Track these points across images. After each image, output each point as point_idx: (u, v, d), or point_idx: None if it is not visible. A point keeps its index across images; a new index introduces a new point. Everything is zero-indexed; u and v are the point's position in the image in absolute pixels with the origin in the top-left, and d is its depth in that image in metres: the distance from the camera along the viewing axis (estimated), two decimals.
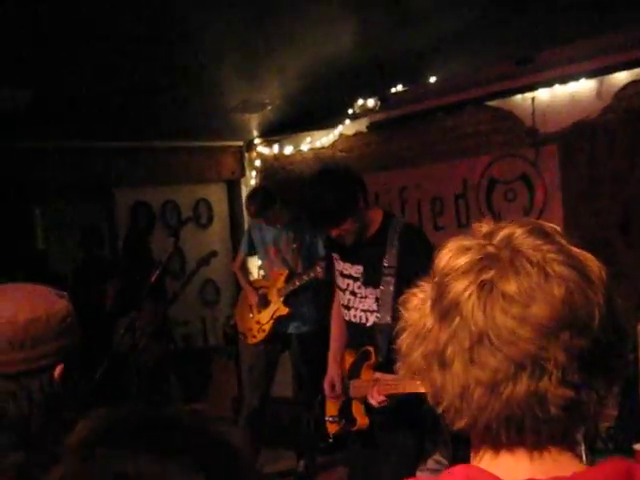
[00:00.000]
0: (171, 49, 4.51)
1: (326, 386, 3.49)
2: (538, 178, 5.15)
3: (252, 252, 5.56)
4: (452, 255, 0.94)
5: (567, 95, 4.95)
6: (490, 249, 0.92)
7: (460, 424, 0.93)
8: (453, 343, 0.91)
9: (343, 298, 3.41)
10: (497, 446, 0.93)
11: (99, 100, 5.26)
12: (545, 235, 0.92)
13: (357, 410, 3.33)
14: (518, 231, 0.93)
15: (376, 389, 3.07)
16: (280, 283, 5.21)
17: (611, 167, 4.79)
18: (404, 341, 0.99)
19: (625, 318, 0.93)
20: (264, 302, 5.23)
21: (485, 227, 0.97)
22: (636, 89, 4.63)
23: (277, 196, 5.42)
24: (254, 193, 5.49)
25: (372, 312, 3.26)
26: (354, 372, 3.37)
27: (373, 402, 3.10)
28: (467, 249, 0.93)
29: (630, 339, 0.96)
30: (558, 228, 0.96)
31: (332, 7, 4.18)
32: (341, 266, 3.41)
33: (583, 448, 2.13)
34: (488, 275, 0.89)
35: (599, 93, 4.80)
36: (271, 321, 5.16)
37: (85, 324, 1.55)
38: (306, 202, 3.31)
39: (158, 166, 7.04)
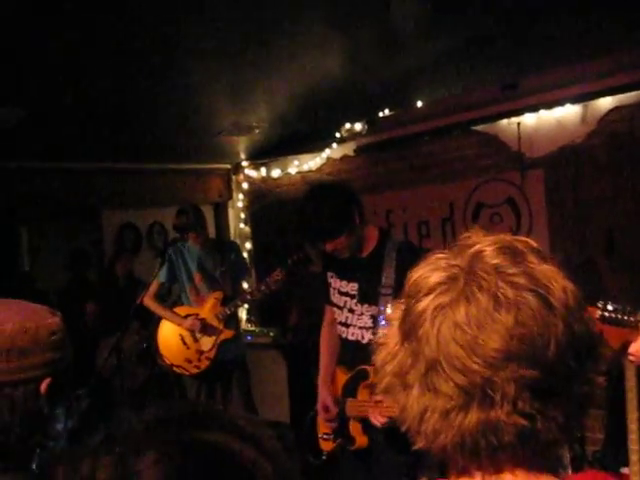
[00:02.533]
0: (160, 72, 4.52)
1: (319, 409, 3.47)
2: (524, 202, 5.18)
3: (173, 281, 5.14)
4: (421, 274, 0.94)
5: (552, 120, 5.00)
6: (453, 270, 0.91)
7: (419, 445, 0.93)
8: (413, 367, 0.91)
9: (341, 315, 3.42)
10: (458, 470, 0.93)
11: (87, 121, 5.26)
12: (514, 254, 0.90)
13: (355, 429, 3.32)
14: (488, 250, 0.91)
15: (378, 411, 3.07)
16: (216, 307, 4.96)
17: (596, 191, 4.83)
18: (379, 356, 0.99)
19: (596, 340, 0.91)
20: (203, 328, 4.92)
21: (468, 239, 0.96)
22: (620, 114, 4.69)
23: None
24: (185, 207, 5.11)
25: (368, 329, 3.27)
26: (350, 391, 3.36)
27: (377, 423, 3.10)
28: (436, 268, 0.93)
29: (601, 361, 0.92)
30: (533, 244, 0.94)
31: (320, 32, 4.21)
32: (338, 284, 3.43)
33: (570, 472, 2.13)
34: (444, 300, 0.89)
35: (584, 118, 4.85)
36: (215, 347, 4.91)
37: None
38: (301, 216, 3.27)
39: (145, 188, 7.03)
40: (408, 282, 0.95)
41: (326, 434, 3.46)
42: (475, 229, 0.98)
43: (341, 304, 3.41)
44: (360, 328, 3.33)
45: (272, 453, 0.71)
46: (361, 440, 3.29)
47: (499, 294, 0.86)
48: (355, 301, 3.33)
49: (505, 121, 5.27)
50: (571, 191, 4.97)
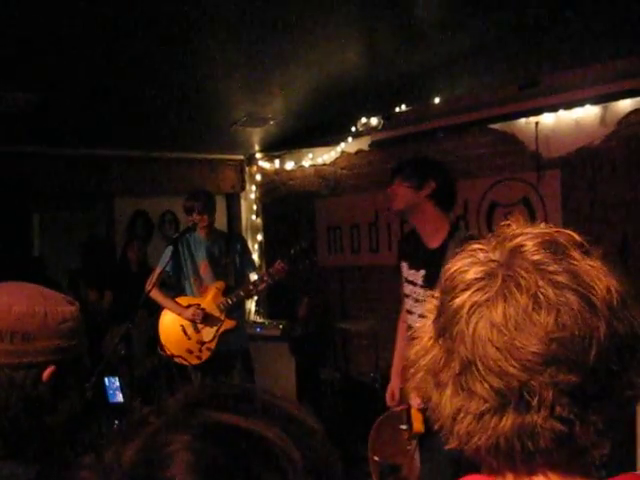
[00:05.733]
0: (177, 61, 4.51)
1: (387, 396, 3.65)
2: (539, 202, 5.14)
3: (177, 270, 5.01)
4: (459, 267, 0.90)
5: (571, 120, 4.95)
6: (491, 266, 0.87)
7: (452, 445, 0.90)
8: (447, 365, 0.88)
9: (407, 303, 3.50)
10: (491, 470, 0.90)
11: (103, 109, 5.26)
12: (556, 250, 0.86)
13: (416, 417, 3.40)
14: (529, 244, 0.87)
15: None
16: (217, 297, 4.92)
17: (612, 194, 4.78)
18: (412, 350, 0.96)
19: None
20: (204, 319, 4.85)
21: (507, 229, 0.92)
22: (639, 117, 4.63)
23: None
24: (197, 191, 5.06)
25: None
26: None
27: (414, 405, 3.24)
28: (473, 263, 0.89)
29: None
30: (577, 237, 0.89)
31: (339, 25, 4.18)
32: (407, 272, 3.49)
33: None
34: (481, 298, 0.85)
35: (603, 120, 4.80)
36: (216, 337, 4.86)
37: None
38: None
39: (159, 176, 7.04)
40: (445, 274, 0.92)
41: (404, 425, 3.57)
42: (515, 216, 0.94)
43: (408, 292, 3.47)
44: (420, 316, 3.37)
45: (307, 441, 0.68)
46: (418, 427, 3.38)
47: (539, 294, 0.82)
48: (420, 289, 3.38)
49: (523, 120, 5.21)
50: (587, 193, 4.92)
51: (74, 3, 3.46)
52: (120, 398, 1.75)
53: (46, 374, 1.36)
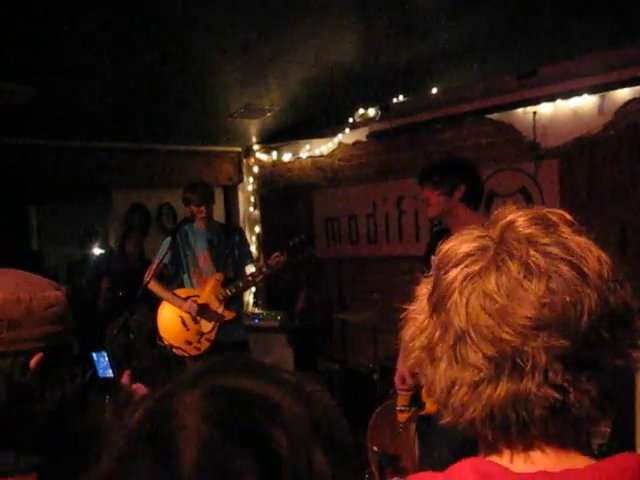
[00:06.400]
0: (173, 53, 4.49)
1: (397, 380, 3.66)
2: (538, 192, 5.13)
3: (175, 262, 5.01)
4: (452, 244, 0.92)
5: (569, 110, 4.94)
6: (484, 241, 0.89)
7: (446, 420, 0.91)
8: (442, 339, 0.89)
9: None
10: (486, 447, 0.91)
11: (99, 101, 5.24)
12: (547, 225, 0.88)
13: (427, 395, 3.42)
14: (520, 220, 0.89)
15: None
16: (216, 288, 4.92)
17: (611, 184, 4.78)
18: (408, 331, 0.97)
19: (633, 313, 0.87)
20: (202, 310, 4.86)
21: (500, 213, 0.93)
22: (637, 106, 4.62)
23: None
24: (195, 183, 5.05)
25: None
26: None
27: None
28: (466, 240, 0.91)
29: (637, 335, 0.87)
30: (567, 216, 0.91)
31: (336, 16, 4.17)
32: None
33: None
34: (474, 269, 0.86)
35: (601, 109, 4.79)
36: (215, 328, 4.87)
37: (77, 322, 1.50)
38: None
39: (156, 169, 7.02)
40: (438, 254, 0.93)
41: (403, 406, 3.62)
42: (509, 204, 0.95)
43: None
44: None
45: (314, 404, 0.71)
46: (431, 406, 3.39)
47: (530, 262, 0.84)
48: None
49: (521, 110, 5.20)
50: (585, 183, 4.92)
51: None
52: (110, 373, 1.73)
53: (33, 361, 1.33)
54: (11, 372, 1.31)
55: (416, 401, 3.54)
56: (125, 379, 1.63)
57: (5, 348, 1.31)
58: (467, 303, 0.85)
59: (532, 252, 0.84)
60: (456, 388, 0.87)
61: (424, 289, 0.97)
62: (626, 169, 4.71)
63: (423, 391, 3.44)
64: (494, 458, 0.90)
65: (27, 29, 3.80)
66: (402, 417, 3.63)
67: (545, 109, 5.06)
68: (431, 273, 0.95)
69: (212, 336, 4.87)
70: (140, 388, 1.70)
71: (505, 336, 0.82)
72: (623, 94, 4.68)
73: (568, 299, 0.82)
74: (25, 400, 1.33)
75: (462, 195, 3.39)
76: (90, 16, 3.74)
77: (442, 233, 3.69)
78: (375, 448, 4.13)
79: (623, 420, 3.65)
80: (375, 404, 4.39)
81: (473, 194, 3.44)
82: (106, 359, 1.76)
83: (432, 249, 3.65)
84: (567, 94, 4.91)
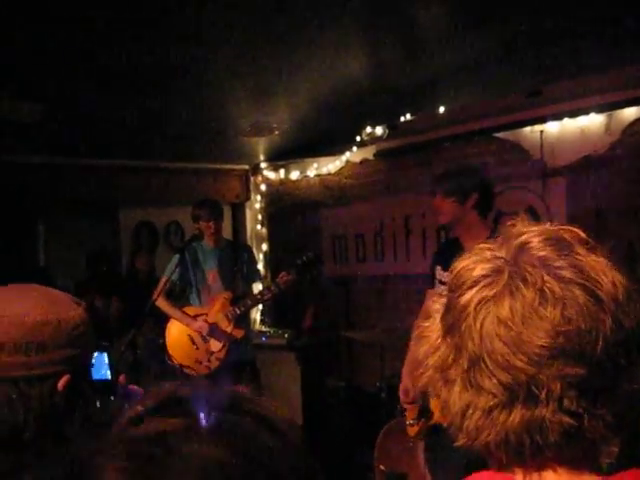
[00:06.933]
0: (181, 71, 4.52)
1: (401, 394, 3.68)
2: (545, 211, 5.13)
3: (184, 279, 5.01)
4: (465, 265, 0.91)
5: (576, 129, 4.95)
6: (498, 263, 0.88)
7: (461, 442, 0.91)
8: (456, 362, 0.88)
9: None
10: (499, 467, 0.90)
11: (108, 118, 5.27)
12: (561, 246, 0.87)
13: (436, 405, 3.41)
14: (534, 240, 0.88)
15: None
16: (225, 306, 4.89)
17: (618, 202, 4.77)
18: (421, 349, 0.96)
19: None
20: (212, 329, 4.84)
21: (513, 228, 0.93)
22: None
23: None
24: (204, 200, 5.10)
25: None
26: None
27: None
28: (480, 260, 0.90)
29: None
30: (581, 234, 0.91)
31: (344, 34, 4.19)
32: (440, 275, 3.55)
33: None
34: (488, 293, 0.86)
35: (608, 128, 4.80)
36: (226, 347, 4.84)
37: None
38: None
39: (163, 186, 7.04)
40: (452, 273, 0.93)
41: (412, 420, 3.61)
42: (520, 217, 0.94)
43: (441, 292, 3.53)
44: None
45: (292, 446, 0.67)
46: (439, 414, 3.38)
47: (545, 288, 0.83)
48: None
49: (528, 129, 5.22)
50: (593, 201, 4.91)
51: (81, 13, 3.48)
52: (108, 375, 1.72)
53: (61, 384, 1.31)
54: (41, 397, 1.29)
55: (424, 412, 3.53)
56: (122, 380, 1.63)
57: (34, 372, 1.28)
58: (481, 328, 0.85)
59: (546, 277, 0.83)
60: (470, 412, 0.87)
61: (436, 304, 0.96)
62: (633, 188, 4.70)
63: (432, 401, 3.43)
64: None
65: (37, 48, 3.83)
66: (412, 431, 3.61)
67: (552, 128, 5.07)
68: (441, 289, 0.95)
69: (222, 355, 4.85)
70: (136, 390, 1.69)
71: (520, 364, 0.82)
72: (630, 113, 4.69)
73: (583, 326, 0.81)
74: (55, 424, 1.31)
75: (475, 203, 3.40)
76: (100, 35, 3.78)
77: (450, 244, 3.69)
78: (382, 467, 4.11)
79: (631, 439, 3.63)
80: (382, 423, 4.36)
81: (486, 202, 3.46)
82: (106, 360, 1.74)
83: (438, 260, 3.65)
84: (574, 113, 4.92)
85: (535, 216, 5.17)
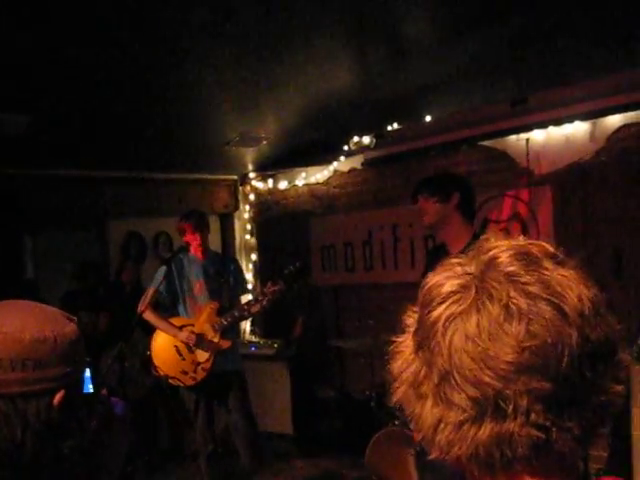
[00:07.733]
0: (169, 82, 4.53)
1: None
2: (531, 218, 5.17)
3: (170, 290, 4.97)
4: (436, 281, 0.92)
5: (561, 137, 4.99)
6: (466, 278, 0.89)
7: (434, 455, 0.92)
8: (427, 377, 0.89)
9: None
10: (473, 478, 0.91)
11: (95, 130, 5.27)
12: (529, 261, 0.88)
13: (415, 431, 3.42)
14: (503, 256, 0.89)
15: None
16: (211, 317, 4.88)
17: (604, 209, 4.82)
18: (395, 364, 0.97)
19: (615, 347, 0.87)
20: (198, 340, 4.82)
21: (485, 243, 0.94)
22: (629, 132, 4.68)
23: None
24: (189, 212, 5.06)
25: None
26: None
27: None
28: (450, 276, 0.91)
29: (620, 369, 0.88)
30: (550, 248, 0.91)
31: (331, 45, 4.22)
32: None
33: None
34: (456, 310, 0.87)
35: (593, 135, 4.84)
36: (212, 358, 4.83)
37: None
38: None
39: (152, 197, 7.04)
40: (422, 288, 0.94)
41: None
42: (495, 232, 0.96)
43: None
44: None
45: None
46: None
47: (510, 304, 0.84)
48: None
49: (514, 137, 5.26)
50: (579, 208, 4.96)
51: (66, 24, 3.49)
52: (90, 388, 1.72)
53: (57, 400, 1.31)
54: (37, 415, 1.28)
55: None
56: (104, 394, 1.63)
57: (31, 388, 1.28)
58: (450, 344, 0.86)
59: (512, 293, 0.84)
60: (442, 426, 0.88)
61: (410, 319, 0.98)
62: (618, 194, 4.75)
63: None
64: None
65: (22, 60, 3.83)
66: (417, 436, 3.64)
67: (538, 136, 5.12)
68: (416, 306, 0.96)
69: (208, 366, 4.83)
70: (117, 402, 1.69)
71: (487, 379, 0.83)
72: (614, 120, 4.74)
73: (549, 341, 0.82)
74: (53, 441, 1.31)
75: (457, 202, 3.44)
76: (85, 46, 3.78)
77: (438, 249, 3.70)
78: (374, 478, 4.10)
79: (620, 444, 3.65)
80: (373, 431, 4.37)
81: (467, 203, 3.50)
82: (87, 374, 1.74)
83: (429, 266, 3.67)
84: (559, 121, 4.97)
85: (522, 224, 5.22)
